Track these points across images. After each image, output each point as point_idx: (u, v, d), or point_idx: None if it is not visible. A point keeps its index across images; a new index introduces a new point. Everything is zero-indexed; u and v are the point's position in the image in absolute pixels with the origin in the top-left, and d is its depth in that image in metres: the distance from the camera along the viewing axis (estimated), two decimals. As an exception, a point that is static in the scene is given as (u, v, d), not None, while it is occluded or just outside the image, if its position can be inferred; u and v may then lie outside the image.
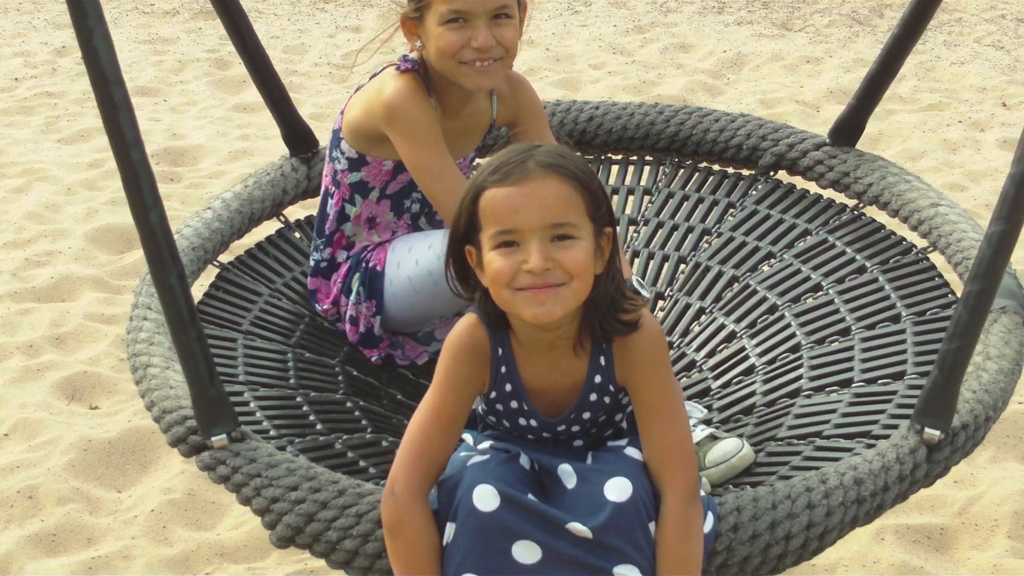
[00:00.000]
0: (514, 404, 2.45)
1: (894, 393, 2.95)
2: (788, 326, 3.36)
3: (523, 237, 2.25)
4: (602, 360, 2.40)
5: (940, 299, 3.22)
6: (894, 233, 3.51)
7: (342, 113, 3.24)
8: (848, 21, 9.46)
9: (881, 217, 3.60)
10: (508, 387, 2.43)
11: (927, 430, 2.51)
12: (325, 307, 3.33)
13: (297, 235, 3.64)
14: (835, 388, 3.07)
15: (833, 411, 2.97)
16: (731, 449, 2.84)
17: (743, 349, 3.37)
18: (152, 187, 2.38)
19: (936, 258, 3.36)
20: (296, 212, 3.71)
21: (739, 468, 2.83)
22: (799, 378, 3.16)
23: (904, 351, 3.08)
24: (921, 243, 3.40)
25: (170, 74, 8.16)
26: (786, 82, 7.96)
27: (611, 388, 2.43)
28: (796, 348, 3.27)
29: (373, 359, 3.29)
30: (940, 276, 3.31)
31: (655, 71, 8.18)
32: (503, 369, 2.42)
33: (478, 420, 2.56)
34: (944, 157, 6.67)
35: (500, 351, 2.41)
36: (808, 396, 3.09)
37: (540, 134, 3.29)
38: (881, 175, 3.55)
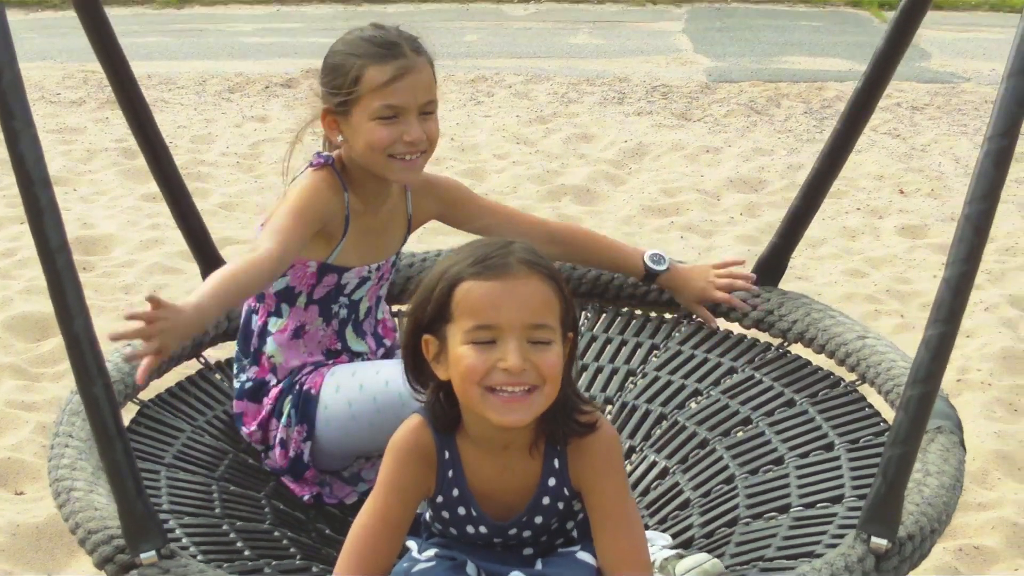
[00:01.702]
0: (461, 510, 2.37)
1: (834, 515, 2.91)
2: (720, 459, 3.32)
3: (502, 335, 2.20)
4: (556, 463, 2.34)
5: (873, 427, 3.21)
6: (821, 368, 3.51)
7: (262, 225, 3.20)
8: (746, 111, 9.72)
9: (807, 354, 3.60)
10: (455, 492, 2.35)
11: (874, 539, 2.47)
12: (251, 429, 3.24)
13: (218, 376, 3.56)
14: (773, 514, 3.03)
15: (774, 535, 2.92)
16: (702, 558, 2.78)
17: (677, 484, 3.32)
18: (78, 293, 2.31)
19: (866, 391, 3.36)
20: (216, 354, 3.64)
21: (712, 575, 2.77)
22: (736, 507, 3.11)
23: (840, 475, 3.06)
24: (850, 376, 3.41)
25: (79, 163, 8.15)
26: (687, 171, 8.12)
27: (565, 492, 2.36)
28: (730, 479, 3.23)
29: (305, 498, 3.20)
30: (871, 406, 3.30)
31: (558, 160, 8.32)
32: (450, 473, 2.34)
33: (423, 528, 2.47)
34: (843, 244, 6.81)
35: (447, 454, 2.34)
36: (747, 523, 3.04)
37: (482, 205, 3.36)
38: (805, 311, 3.57)
